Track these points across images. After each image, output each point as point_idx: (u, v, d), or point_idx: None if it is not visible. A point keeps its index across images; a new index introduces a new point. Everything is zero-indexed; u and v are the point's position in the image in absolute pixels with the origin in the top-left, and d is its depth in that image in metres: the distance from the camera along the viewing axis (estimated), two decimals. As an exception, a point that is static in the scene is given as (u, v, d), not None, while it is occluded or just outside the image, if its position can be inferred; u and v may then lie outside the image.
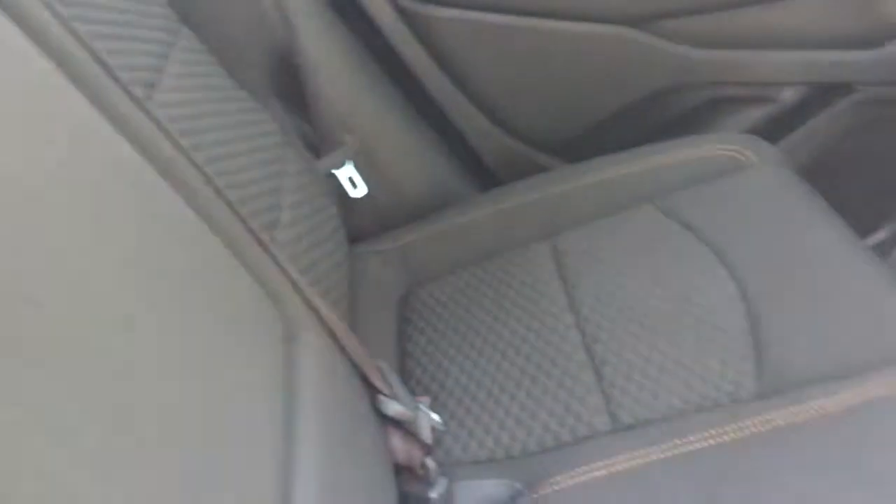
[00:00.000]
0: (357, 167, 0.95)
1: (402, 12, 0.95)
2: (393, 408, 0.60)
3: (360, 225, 0.97)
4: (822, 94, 1.04)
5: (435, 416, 0.65)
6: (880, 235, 1.12)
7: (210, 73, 0.74)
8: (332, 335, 0.58)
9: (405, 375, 0.81)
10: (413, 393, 0.73)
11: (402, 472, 0.63)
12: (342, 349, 0.58)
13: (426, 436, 0.64)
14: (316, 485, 0.45)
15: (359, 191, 0.94)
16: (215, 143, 0.66)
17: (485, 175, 1.06)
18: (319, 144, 0.92)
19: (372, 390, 0.60)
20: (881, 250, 1.11)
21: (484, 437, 0.73)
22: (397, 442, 0.62)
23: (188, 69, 0.70)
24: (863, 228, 1.11)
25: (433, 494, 0.63)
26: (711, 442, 0.66)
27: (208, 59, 0.75)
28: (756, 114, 1.05)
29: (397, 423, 0.62)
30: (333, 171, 0.91)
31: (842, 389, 0.66)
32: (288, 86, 0.89)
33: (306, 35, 0.88)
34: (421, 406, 0.64)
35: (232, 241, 0.53)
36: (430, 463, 0.63)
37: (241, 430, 0.44)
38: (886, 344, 0.70)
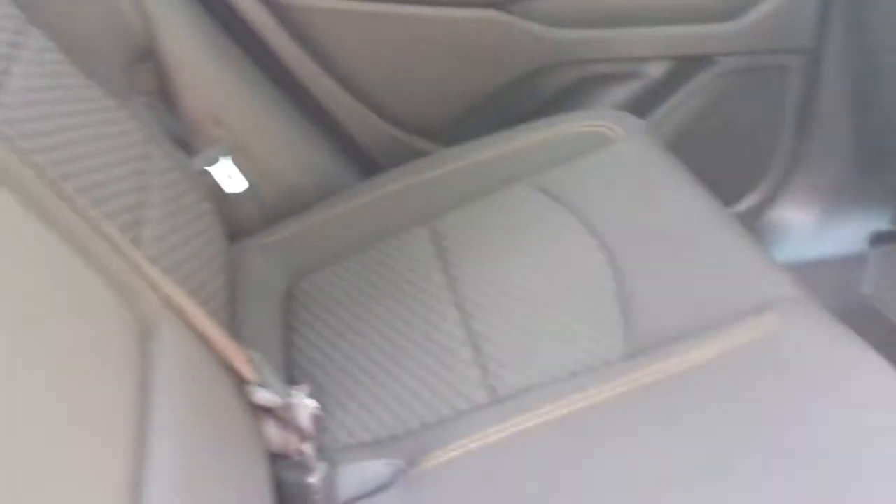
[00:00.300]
0: (235, 161, 0.94)
1: (268, 3, 0.94)
2: (261, 396, 0.61)
3: (242, 220, 0.97)
4: (686, 67, 1.08)
5: (312, 403, 0.66)
6: (748, 202, 1.18)
7: (62, 73, 0.72)
8: (196, 329, 0.58)
9: (291, 366, 0.82)
10: (298, 382, 0.74)
11: (279, 459, 0.64)
12: (207, 342, 0.58)
13: (304, 422, 0.65)
14: (171, 476, 0.45)
15: (237, 185, 0.94)
16: (67, 145, 0.65)
17: (366, 162, 1.06)
18: (190, 140, 0.91)
19: (241, 380, 0.61)
20: (749, 216, 1.17)
21: (368, 420, 0.74)
22: (272, 430, 0.62)
23: (37, 70, 0.69)
24: (730, 196, 1.17)
25: (312, 479, 0.63)
26: (582, 405, 0.68)
27: (60, 59, 0.73)
28: (625, 90, 1.09)
29: (271, 412, 0.63)
30: (207, 167, 0.91)
31: (698, 345, 0.70)
32: (151, 82, 0.88)
33: (167, 29, 0.87)
34: (295, 393, 0.65)
35: (80, 243, 0.52)
36: (307, 449, 0.64)
37: (91, 427, 0.44)
38: (740, 298, 0.74)
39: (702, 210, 0.86)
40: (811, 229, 1.21)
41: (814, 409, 0.65)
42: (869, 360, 0.68)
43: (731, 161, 1.15)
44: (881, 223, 1.21)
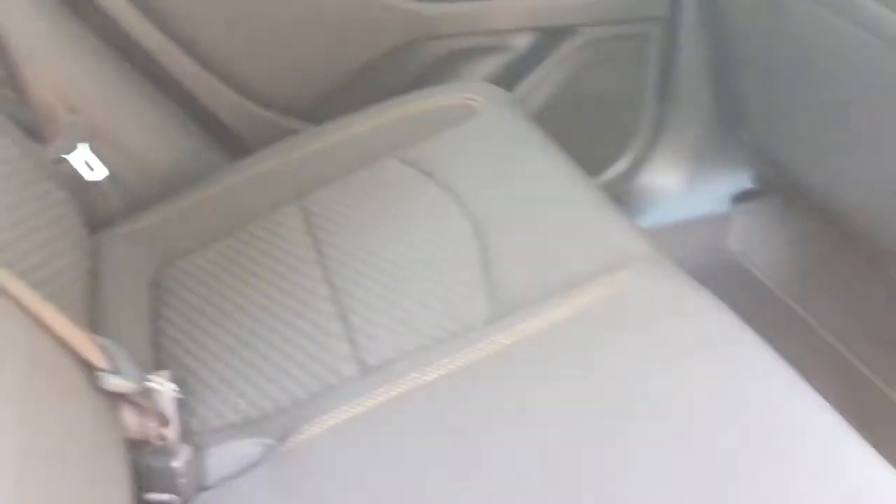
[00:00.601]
0: (94, 149, 0.91)
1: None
2: (111, 383, 0.59)
3: (105, 208, 0.94)
4: (550, 38, 1.11)
5: (171, 387, 0.65)
6: (616, 169, 1.22)
7: None
8: (37, 320, 0.56)
9: (160, 352, 0.80)
10: (166, 368, 0.73)
11: (142, 445, 0.63)
12: (50, 332, 0.57)
13: (164, 407, 0.64)
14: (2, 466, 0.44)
15: (97, 173, 0.91)
16: None
17: (233, 144, 1.05)
18: (43, 129, 0.88)
19: (91, 368, 0.60)
20: (618, 182, 1.21)
21: (237, 401, 0.73)
22: (129, 416, 0.62)
23: None
24: (599, 163, 1.21)
25: (176, 464, 0.63)
26: (446, 370, 0.70)
27: None
28: (493, 62, 1.11)
29: (128, 399, 0.62)
30: (64, 155, 0.88)
31: (556, 305, 0.73)
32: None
33: (10, 15, 0.83)
34: (154, 378, 0.64)
35: None
36: (169, 433, 0.63)
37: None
38: (598, 259, 0.77)
39: (562, 177, 0.88)
40: (678, 192, 1.26)
41: (661, 361, 0.68)
42: (717, 311, 0.73)
43: (598, 129, 1.18)
44: (744, 182, 1.28)
